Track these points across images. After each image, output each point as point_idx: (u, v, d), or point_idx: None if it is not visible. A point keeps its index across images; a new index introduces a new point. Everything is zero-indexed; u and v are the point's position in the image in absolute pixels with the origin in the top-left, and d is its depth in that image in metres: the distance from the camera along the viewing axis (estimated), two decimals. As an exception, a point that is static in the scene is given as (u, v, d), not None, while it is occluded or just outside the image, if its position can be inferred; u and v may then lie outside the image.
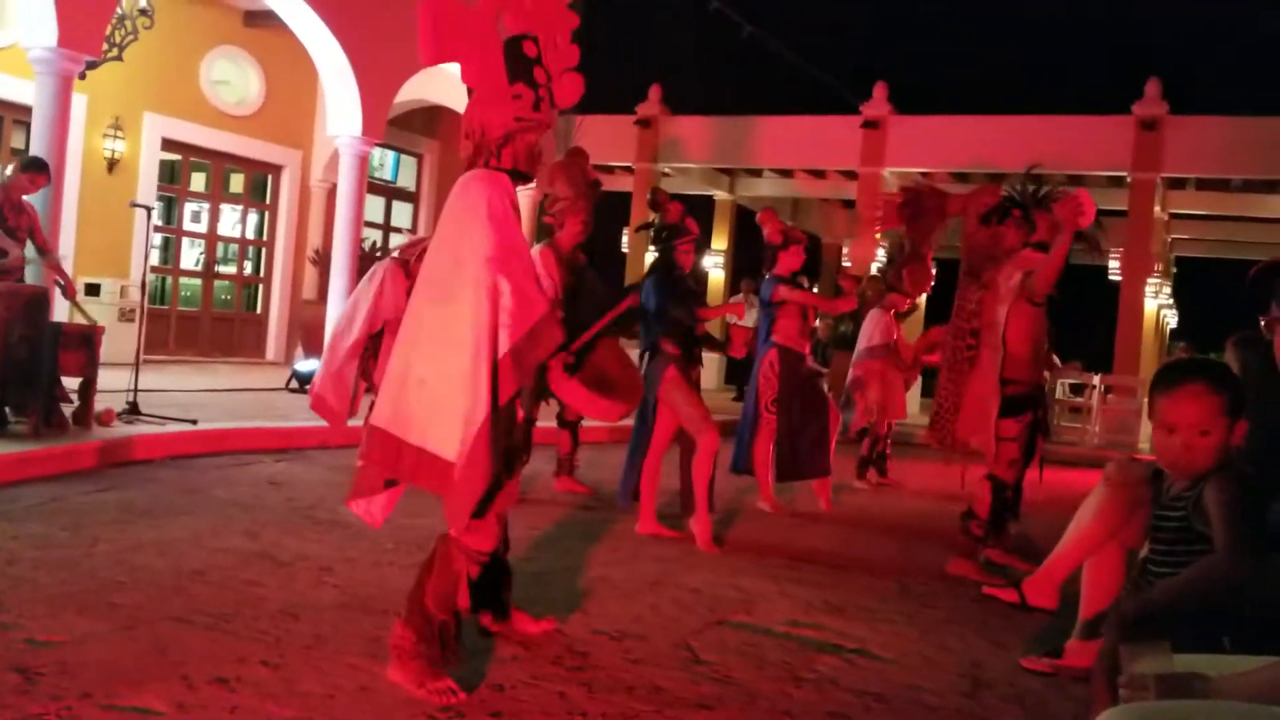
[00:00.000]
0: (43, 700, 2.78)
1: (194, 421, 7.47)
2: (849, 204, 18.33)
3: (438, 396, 2.99)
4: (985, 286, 5.18)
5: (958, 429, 5.20)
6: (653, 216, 5.86)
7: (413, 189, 17.63)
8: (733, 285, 18.04)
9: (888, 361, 8.15)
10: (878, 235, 13.72)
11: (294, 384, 10.96)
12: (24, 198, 7.29)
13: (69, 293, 7.60)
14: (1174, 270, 23.16)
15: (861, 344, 8.36)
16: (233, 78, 14.12)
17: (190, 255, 14.61)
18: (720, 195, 19.12)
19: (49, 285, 7.35)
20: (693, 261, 5.84)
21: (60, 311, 8.04)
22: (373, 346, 3.53)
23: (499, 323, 2.99)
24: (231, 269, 15.15)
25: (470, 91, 3.22)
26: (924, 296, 10.28)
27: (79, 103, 10.82)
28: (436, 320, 3.04)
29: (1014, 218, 5.23)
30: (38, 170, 7.31)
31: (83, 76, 9.85)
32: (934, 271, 7.95)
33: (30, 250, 7.30)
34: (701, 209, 17.64)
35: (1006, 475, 5.21)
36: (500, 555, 3.57)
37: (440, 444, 2.96)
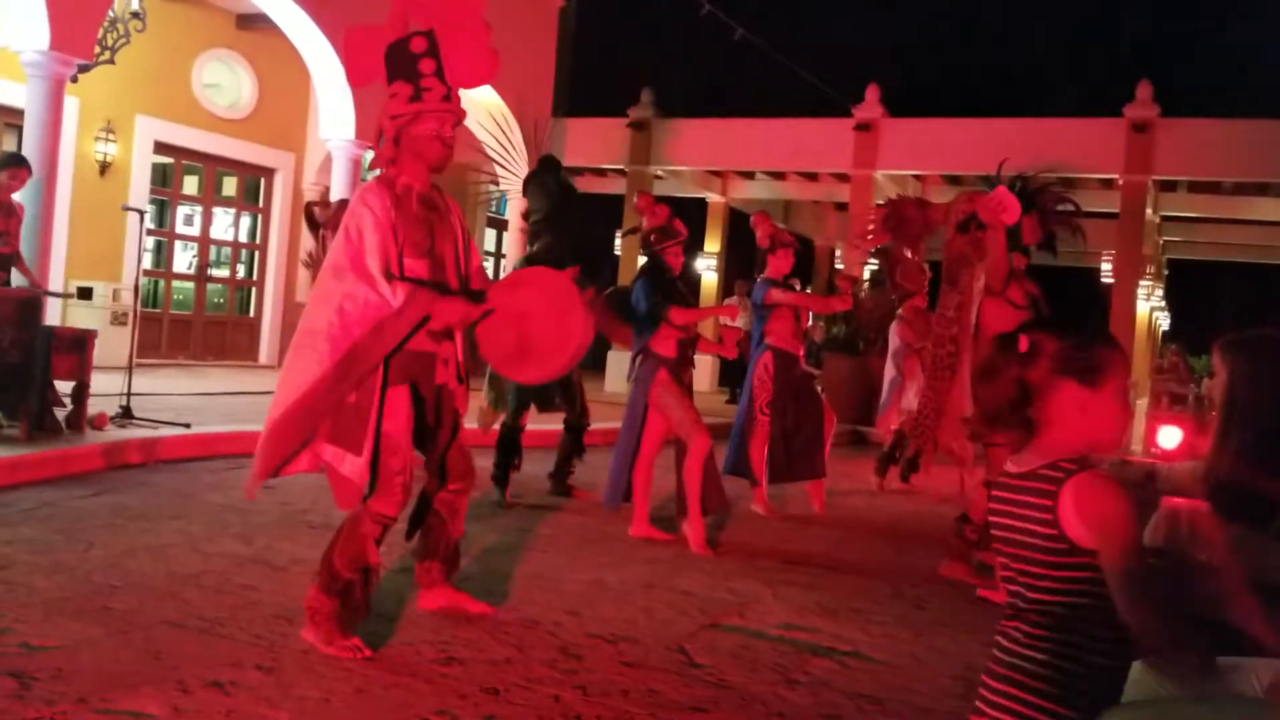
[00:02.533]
0: (37, 705, 2.78)
1: (187, 425, 7.46)
2: (841, 206, 18.34)
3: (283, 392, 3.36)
4: (962, 292, 5.23)
5: (940, 435, 5.23)
6: (640, 221, 5.87)
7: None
8: (726, 287, 18.03)
9: (910, 362, 8.20)
10: (869, 251, 13.75)
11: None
12: (13, 197, 7.21)
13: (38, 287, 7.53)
14: (1166, 273, 23.22)
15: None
16: (225, 81, 14.10)
17: (183, 258, 14.57)
18: (713, 198, 19.11)
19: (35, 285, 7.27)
20: (683, 263, 5.84)
21: (53, 315, 8.00)
22: None
23: (342, 324, 3.28)
24: (224, 272, 15.11)
25: None
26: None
27: (71, 106, 10.80)
28: (302, 324, 3.41)
29: None
30: (15, 165, 7.21)
31: (74, 80, 9.82)
32: (926, 267, 8.00)
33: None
34: (694, 212, 17.66)
35: None
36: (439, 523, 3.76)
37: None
